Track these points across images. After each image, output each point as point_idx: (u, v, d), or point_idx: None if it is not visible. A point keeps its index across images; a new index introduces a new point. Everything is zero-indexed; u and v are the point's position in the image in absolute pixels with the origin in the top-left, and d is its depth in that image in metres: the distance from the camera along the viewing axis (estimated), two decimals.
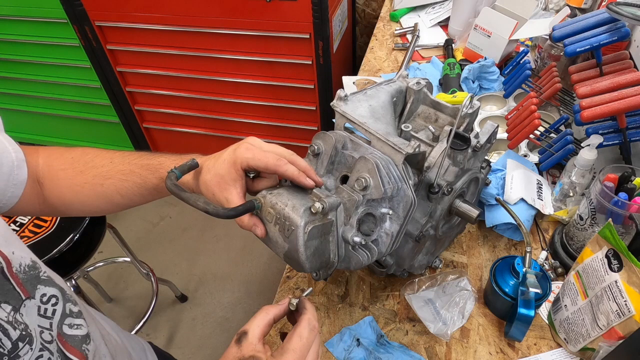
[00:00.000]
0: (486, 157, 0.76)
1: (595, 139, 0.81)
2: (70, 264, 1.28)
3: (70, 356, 0.49)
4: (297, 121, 2.01)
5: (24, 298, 0.45)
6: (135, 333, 1.18)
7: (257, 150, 0.55)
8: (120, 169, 0.62)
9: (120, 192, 0.63)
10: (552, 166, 0.94)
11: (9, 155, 0.58)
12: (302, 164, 0.57)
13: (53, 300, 0.49)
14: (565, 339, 0.70)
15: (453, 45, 1.38)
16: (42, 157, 0.64)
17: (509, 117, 1.03)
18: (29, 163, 0.61)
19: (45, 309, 0.48)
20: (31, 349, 0.44)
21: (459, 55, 1.33)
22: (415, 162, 0.62)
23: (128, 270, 2.09)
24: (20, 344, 0.43)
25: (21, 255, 0.47)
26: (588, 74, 0.90)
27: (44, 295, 0.48)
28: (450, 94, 1.16)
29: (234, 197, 0.56)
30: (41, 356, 0.45)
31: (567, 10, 1.14)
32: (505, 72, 1.17)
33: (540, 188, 0.90)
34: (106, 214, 0.71)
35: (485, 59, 1.21)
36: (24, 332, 0.44)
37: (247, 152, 0.55)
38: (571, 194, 0.87)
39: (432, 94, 0.75)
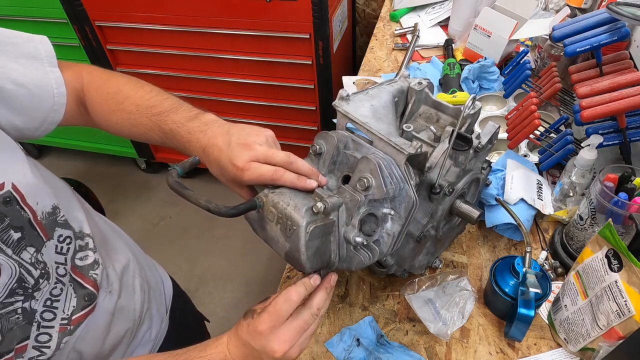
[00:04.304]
0: (486, 158, 0.76)
1: (595, 139, 0.81)
2: None
3: (84, 284, 0.61)
4: (297, 121, 2.02)
5: (45, 240, 0.55)
6: None
7: (252, 170, 0.55)
8: (143, 122, 0.65)
9: (147, 139, 0.67)
10: (552, 166, 0.94)
11: (49, 100, 0.62)
12: (304, 168, 0.57)
13: (67, 240, 0.59)
14: (565, 339, 0.71)
15: (453, 45, 1.38)
16: (85, 82, 0.68)
17: (509, 117, 1.03)
18: (72, 90, 0.66)
19: (62, 247, 0.58)
20: (48, 283, 0.55)
21: (459, 55, 1.33)
22: (417, 162, 0.62)
23: None
24: (41, 280, 0.54)
25: (43, 204, 0.56)
26: (588, 74, 0.90)
27: (60, 236, 0.58)
28: (451, 94, 1.16)
29: (243, 194, 0.60)
30: (55, 287, 0.57)
31: (567, 10, 1.14)
32: (505, 72, 1.17)
33: (540, 188, 0.90)
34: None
35: (485, 59, 1.21)
36: (43, 271, 0.54)
37: (244, 175, 0.55)
38: (571, 194, 0.87)
39: (433, 94, 0.75)
